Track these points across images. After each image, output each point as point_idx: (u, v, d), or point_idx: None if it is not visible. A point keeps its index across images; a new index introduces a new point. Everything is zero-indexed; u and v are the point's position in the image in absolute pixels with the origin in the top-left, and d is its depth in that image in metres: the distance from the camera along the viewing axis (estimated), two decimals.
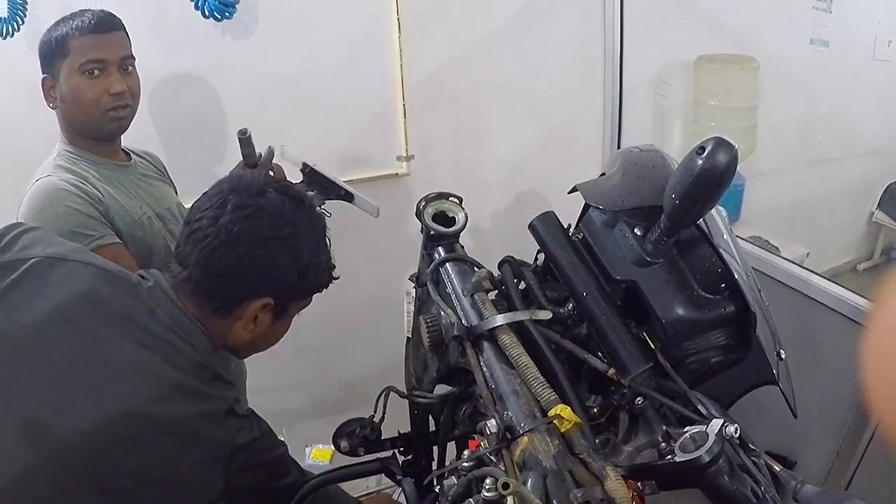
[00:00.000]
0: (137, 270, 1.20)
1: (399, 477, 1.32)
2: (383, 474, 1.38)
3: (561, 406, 0.97)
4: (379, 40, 2.49)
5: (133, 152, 1.70)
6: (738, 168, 3.41)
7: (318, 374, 2.99)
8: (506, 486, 0.80)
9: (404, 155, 2.67)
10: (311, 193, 1.65)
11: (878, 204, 3.97)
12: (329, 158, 2.58)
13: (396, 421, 1.38)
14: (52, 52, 1.47)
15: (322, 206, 1.64)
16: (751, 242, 2.63)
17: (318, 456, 2.36)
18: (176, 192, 1.82)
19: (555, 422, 0.96)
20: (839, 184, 3.78)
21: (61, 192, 1.43)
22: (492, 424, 0.96)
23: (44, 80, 1.50)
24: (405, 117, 2.61)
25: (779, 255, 2.48)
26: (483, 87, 2.74)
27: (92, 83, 1.48)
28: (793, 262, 2.38)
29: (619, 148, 2.93)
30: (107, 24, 1.49)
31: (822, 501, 0.89)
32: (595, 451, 0.96)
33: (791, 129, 3.50)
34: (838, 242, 4.04)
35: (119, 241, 1.45)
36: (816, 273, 2.27)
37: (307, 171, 1.73)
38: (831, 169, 3.68)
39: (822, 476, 2.09)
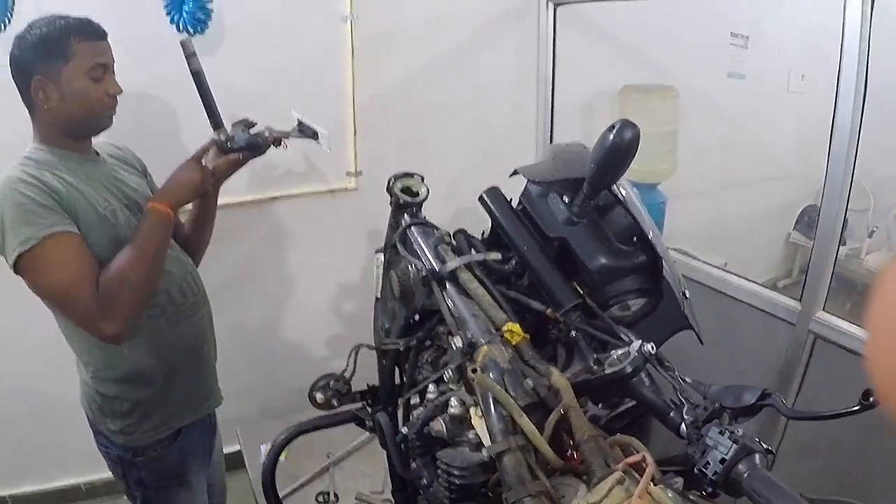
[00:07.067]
0: (98, 259, 1.51)
1: (368, 424, 1.51)
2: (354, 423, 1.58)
3: (511, 323, 1.18)
4: (334, 62, 2.66)
5: (103, 150, 1.77)
6: (659, 188, 3.68)
7: (267, 381, 3.04)
8: (474, 371, 0.99)
9: (353, 171, 2.81)
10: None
11: (795, 225, 4.19)
12: (282, 170, 2.73)
13: (366, 376, 1.57)
14: (50, 55, 1.54)
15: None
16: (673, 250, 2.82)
17: None
18: (150, 185, 1.89)
19: (506, 335, 1.16)
20: (758, 206, 3.99)
21: (19, 183, 1.50)
22: (457, 340, 1.16)
23: (37, 80, 1.55)
24: (355, 135, 2.77)
25: (699, 260, 2.67)
26: (427, 110, 2.91)
27: (96, 86, 1.60)
28: (712, 265, 2.57)
29: None
30: (103, 31, 1.62)
31: (728, 393, 1.09)
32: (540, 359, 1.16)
33: (711, 154, 3.73)
34: (758, 261, 4.25)
35: (76, 231, 1.51)
36: (733, 273, 2.47)
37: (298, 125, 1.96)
38: (750, 192, 3.88)
39: None
